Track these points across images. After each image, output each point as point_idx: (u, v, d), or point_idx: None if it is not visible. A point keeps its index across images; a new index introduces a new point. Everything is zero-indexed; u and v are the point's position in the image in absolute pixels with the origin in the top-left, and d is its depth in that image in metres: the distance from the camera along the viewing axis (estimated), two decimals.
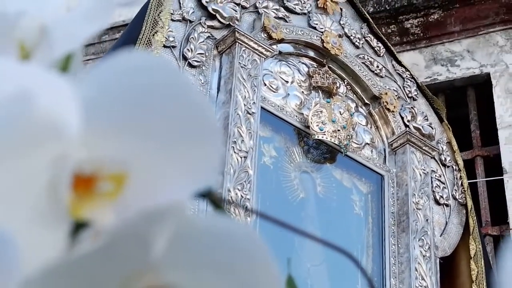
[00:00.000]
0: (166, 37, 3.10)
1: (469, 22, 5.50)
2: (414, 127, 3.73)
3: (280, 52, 3.52)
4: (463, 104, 5.45)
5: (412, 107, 3.81)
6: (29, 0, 0.48)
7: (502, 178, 4.98)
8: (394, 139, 3.68)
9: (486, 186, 5.09)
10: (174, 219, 0.35)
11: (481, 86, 5.44)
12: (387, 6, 5.55)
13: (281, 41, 3.49)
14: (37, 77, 0.37)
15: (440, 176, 3.74)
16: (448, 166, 3.80)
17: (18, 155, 0.35)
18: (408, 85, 3.90)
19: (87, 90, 0.36)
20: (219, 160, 0.36)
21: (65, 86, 0.36)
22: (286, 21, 3.58)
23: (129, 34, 3.17)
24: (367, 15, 4.00)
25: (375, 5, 5.55)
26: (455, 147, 3.90)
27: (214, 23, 3.32)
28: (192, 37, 3.21)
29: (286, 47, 3.56)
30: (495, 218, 5.03)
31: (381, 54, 3.89)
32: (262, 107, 3.26)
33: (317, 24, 3.68)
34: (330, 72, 3.64)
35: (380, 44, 3.91)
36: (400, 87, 3.86)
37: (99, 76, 0.36)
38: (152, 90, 0.35)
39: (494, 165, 5.12)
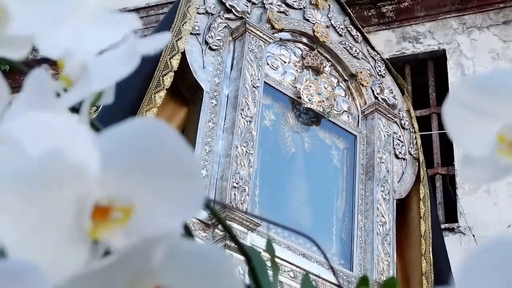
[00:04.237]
0: (192, 26, 3.08)
1: (431, 9, 5.49)
2: (382, 99, 3.72)
3: (280, 39, 3.49)
4: (424, 72, 5.48)
5: (381, 83, 3.79)
6: (75, 41, 0.48)
7: None
8: (366, 108, 3.67)
9: (438, 136, 5.13)
10: (167, 242, 0.36)
11: (438, 59, 5.46)
12: None
13: (281, 30, 3.47)
14: (67, 129, 0.37)
15: (400, 137, 3.73)
16: (406, 129, 3.79)
17: (52, 193, 0.36)
18: (379, 65, 3.87)
19: (105, 144, 0.36)
20: (202, 198, 0.37)
21: (88, 138, 0.37)
22: (286, 15, 3.54)
23: (164, 24, 3.14)
24: (349, 10, 3.96)
25: None
26: (413, 114, 3.90)
27: (230, 15, 3.29)
28: (213, 27, 3.19)
29: (285, 35, 3.53)
30: (444, 161, 5.08)
31: (359, 41, 3.85)
32: (265, 82, 3.25)
33: (310, 17, 3.64)
34: (318, 55, 3.61)
35: (358, 33, 3.88)
36: (372, 67, 3.83)
37: (112, 134, 0.36)
38: (150, 145, 0.36)
39: None
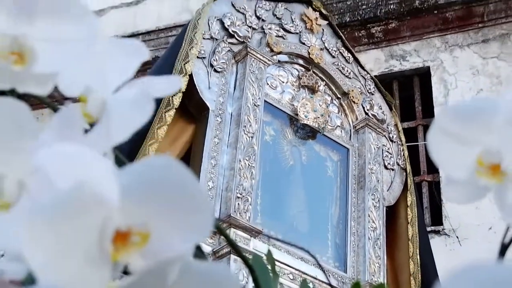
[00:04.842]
0: (199, 51, 3.09)
1: (416, 30, 5.50)
2: (372, 114, 3.72)
3: (278, 61, 3.50)
4: (410, 87, 5.49)
5: (370, 100, 3.79)
6: (95, 77, 0.47)
7: None
8: (357, 123, 3.67)
9: (424, 146, 5.13)
10: (180, 263, 0.37)
11: (423, 76, 5.47)
12: (359, 16, 5.55)
13: (279, 53, 3.48)
14: (91, 163, 0.38)
15: (389, 149, 3.73)
16: (394, 142, 3.79)
17: (77, 221, 0.36)
18: (368, 84, 3.87)
19: (125, 177, 0.37)
20: (211, 226, 0.38)
21: (110, 171, 0.37)
22: (283, 39, 3.55)
23: (173, 48, 3.16)
24: (341, 33, 3.97)
25: (350, 16, 5.56)
26: (400, 128, 3.89)
27: (233, 40, 3.31)
28: (217, 51, 3.20)
29: (283, 57, 3.54)
30: (429, 168, 5.08)
31: (350, 62, 3.86)
32: (265, 100, 3.26)
33: (305, 40, 3.65)
34: (313, 75, 3.62)
35: (349, 55, 3.88)
36: (362, 86, 3.84)
37: (131, 169, 0.37)
38: (164, 178, 0.37)
39: None
